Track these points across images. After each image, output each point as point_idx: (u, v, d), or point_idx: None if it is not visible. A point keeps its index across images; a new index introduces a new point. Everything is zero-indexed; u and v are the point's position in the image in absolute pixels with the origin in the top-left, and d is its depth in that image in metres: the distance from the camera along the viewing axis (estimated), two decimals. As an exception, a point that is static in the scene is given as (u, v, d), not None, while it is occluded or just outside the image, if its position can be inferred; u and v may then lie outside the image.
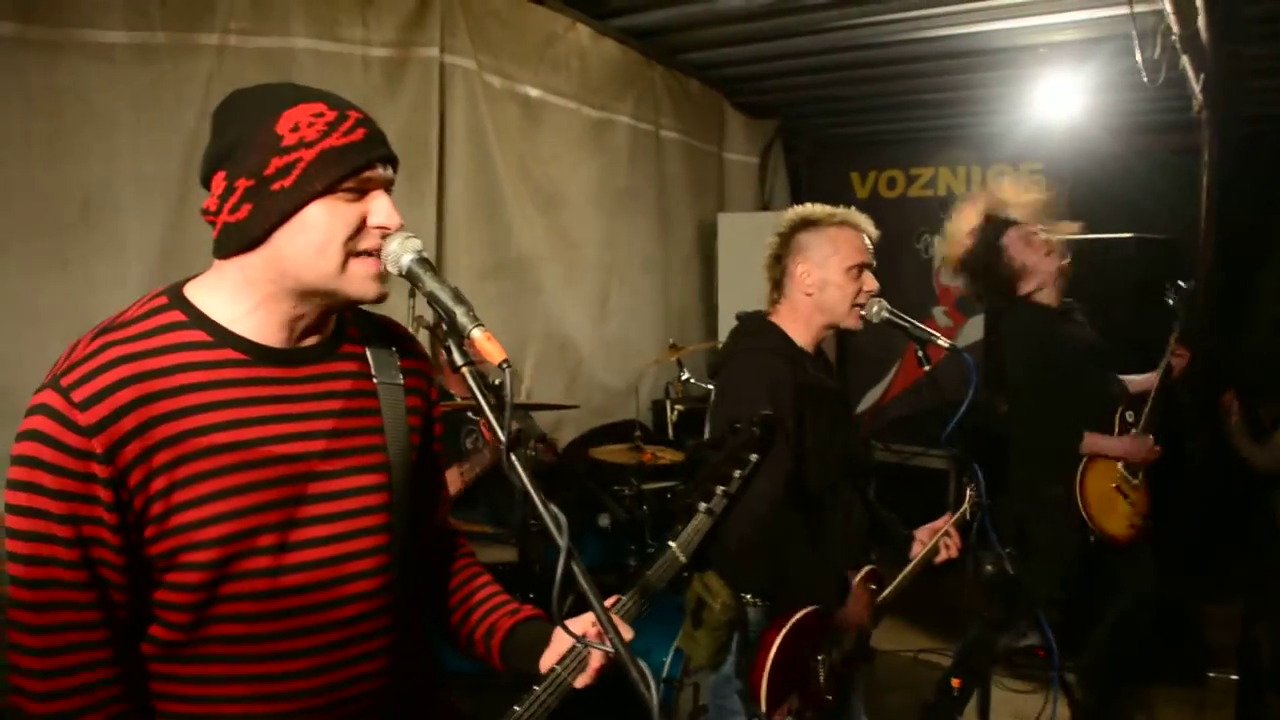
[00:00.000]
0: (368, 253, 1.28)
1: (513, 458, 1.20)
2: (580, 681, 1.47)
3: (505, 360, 1.19)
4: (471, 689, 3.18)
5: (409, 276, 1.28)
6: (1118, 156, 6.46)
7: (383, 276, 1.30)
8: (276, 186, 1.23)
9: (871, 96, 6.34)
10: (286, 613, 1.29)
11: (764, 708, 2.20)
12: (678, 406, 5.01)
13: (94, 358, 1.21)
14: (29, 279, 2.91)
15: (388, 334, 1.49)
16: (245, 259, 1.27)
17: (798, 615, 2.27)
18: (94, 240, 3.05)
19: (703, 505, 1.76)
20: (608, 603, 1.41)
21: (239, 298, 1.29)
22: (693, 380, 4.85)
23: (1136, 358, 3.67)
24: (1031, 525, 3.44)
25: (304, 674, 1.31)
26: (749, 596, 2.35)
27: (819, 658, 2.31)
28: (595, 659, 1.46)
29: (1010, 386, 3.49)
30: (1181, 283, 3.69)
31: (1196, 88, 4.20)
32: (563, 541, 1.15)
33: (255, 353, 1.29)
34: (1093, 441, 3.43)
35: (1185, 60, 3.90)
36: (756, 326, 2.53)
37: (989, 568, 2.25)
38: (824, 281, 2.41)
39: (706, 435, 2.57)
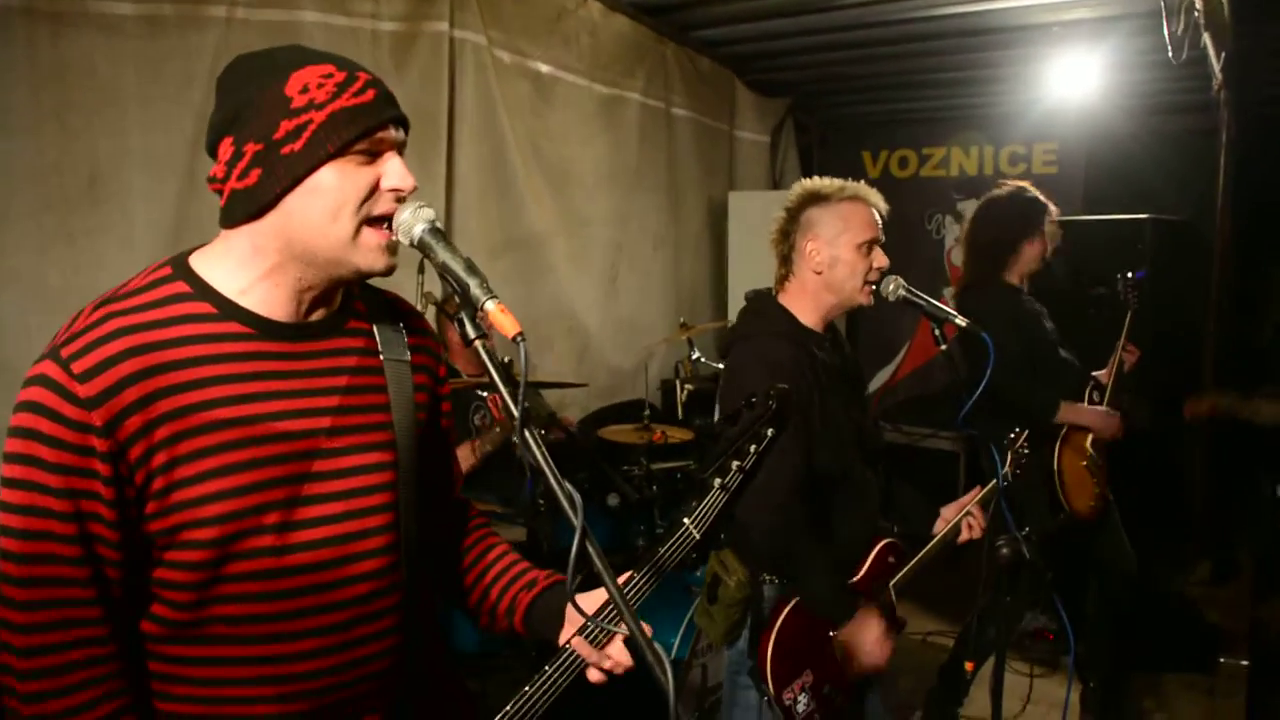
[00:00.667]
0: (381, 220, 1.25)
1: (526, 434, 1.17)
2: (593, 676, 1.45)
3: (520, 333, 1.16)
4: (481, 670, 3.19)
5: (421, 247, 1.25)
6: (1133, 136, 6.40)
7: (393, 248, 1.27)
8: (287, 150, 1.19)
9: (884, 75, 6.27)
10: (291, 592, 1.26)
11: (770, 685, 2.19)
12: (687, 386, 4.98)
13: (95, 328, 1.18)
14: (36, 253, 2.89)
15: (395, 310, 1.46)
16: (254, 226, 1.24)
17: None
18: (101, 214, 3.03)
19: (717, 481, 1.73)
20: (620, 580, 1.39)
21: (246, 268, 1.26)
22: (702, 359, 4.82)
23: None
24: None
25: (310, 654, 1.28)
26: (765, 575, 2.32)
27: (832, 635, 2.29)
28: (613, 647, 1.43)
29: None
30: (1131, 273, 3.67)
31: (1217, 66, 4.14)
32: (578, 520, 1.13)
33: (261, 327, 1.26)
34: (1073, 412, 3.45)
35: (1207, 38, 3.84)
36: (763, 307, 2.49)
37: (1004, 550, 2.21)
38: (834, 259, 2.36)
39: (716, 418, 2.54)
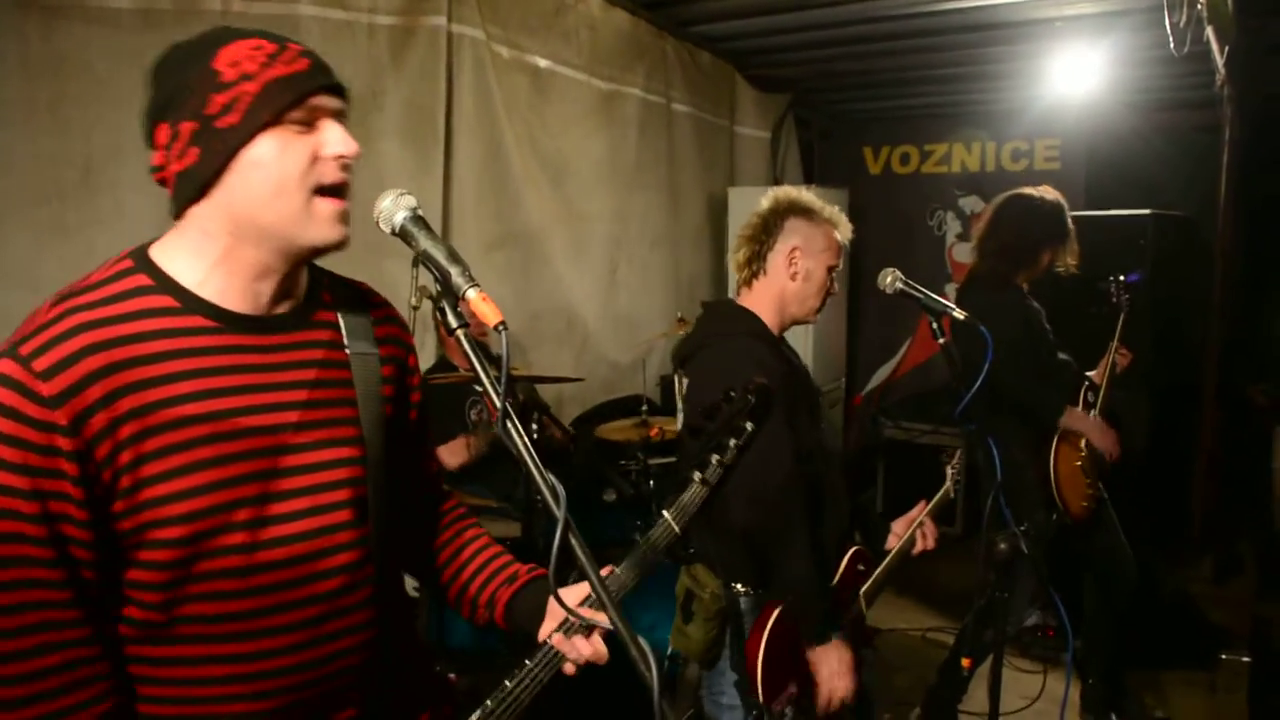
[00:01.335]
0: (332, 190, 1.23)
1: (509, 425, 1.15)
2: (568, 669, 1.44)
3: (502, 322, 1.14)
4: (472, 667, 3.17)
5: (402, 235, 1.23)
6: (1136, 132, 6.38)
7: (344, 216, 1.24)
8: (222, 124, 1.18)
9: (885, 71, 6.25)
10: (263, 589, 1.24)
11: (761, 696, 2.16)
12: (685, 381, 4.95)
13: (55, 324, 1.16)
14: (31, 246, 2.88)
15: (363, 301, 1.44)
16: (200, 209, 1.22)
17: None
18: (96, 207, 3.01)
19: (698, 475, 1.72)
20: (602, 572, 1.38)
21: (200, 255, 1.24)
22: (701, 356, 4.79)
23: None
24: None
25: (283, 651, 1.26)
26: (739, 586, 2.29)
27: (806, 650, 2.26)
28: (593, 639, 1.42)
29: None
30: (1123, 277, 3.64)
31: (1220, 62, 4.12)
32: (560, 513, 1.11)
33: (225, 320, 1.24)
34: (1074, 419, 3.44)
35: (1210, 32, 3.82)
36: (733, 312, 2.48)
37: (1002, 546, 2.20)
38: (810, 272, 2.41)
39: (680, 424, 2.54)
